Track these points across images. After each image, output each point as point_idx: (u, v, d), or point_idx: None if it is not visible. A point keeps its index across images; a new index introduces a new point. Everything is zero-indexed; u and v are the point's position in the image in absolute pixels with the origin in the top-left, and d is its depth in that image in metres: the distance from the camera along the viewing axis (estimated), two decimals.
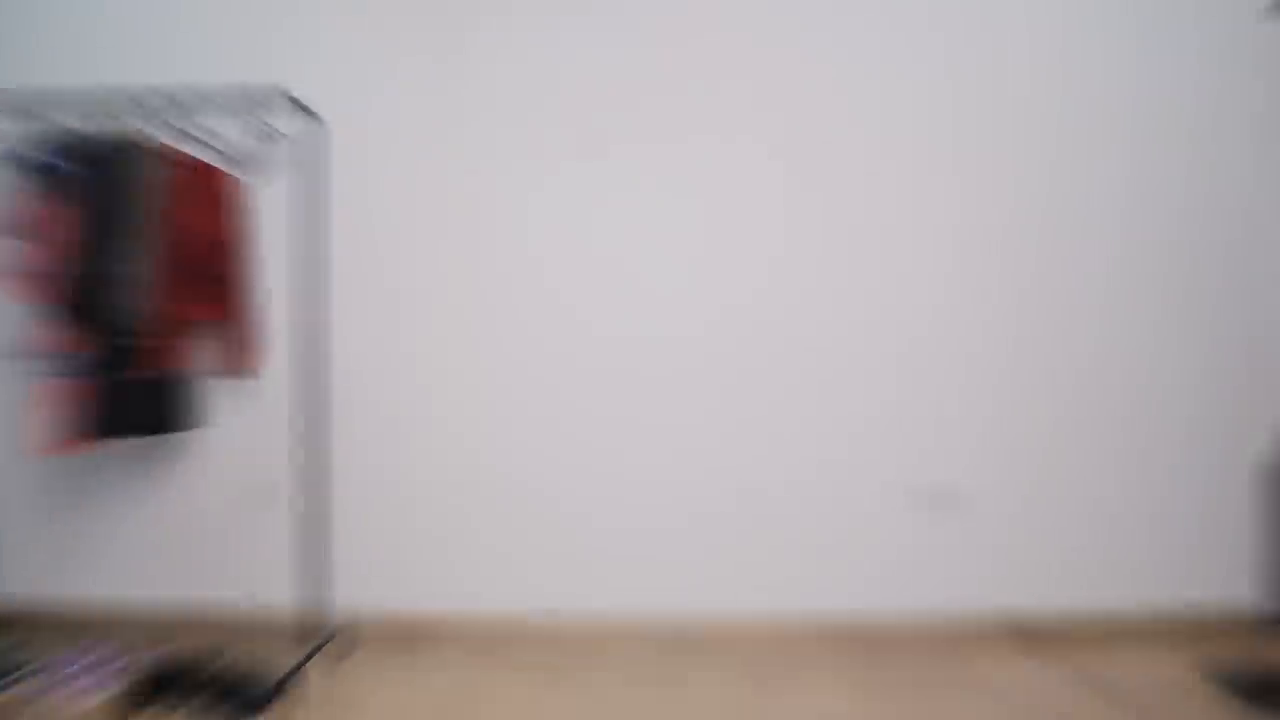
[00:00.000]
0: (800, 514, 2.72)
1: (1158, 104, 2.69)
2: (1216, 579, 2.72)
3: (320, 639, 2.44)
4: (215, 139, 2.44)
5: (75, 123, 2.35)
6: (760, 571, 2.66)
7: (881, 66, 2.69)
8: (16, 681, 2.29)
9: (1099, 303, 2.71)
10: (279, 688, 2.20)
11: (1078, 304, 2.70)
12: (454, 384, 2.74)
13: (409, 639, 2.70)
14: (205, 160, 2.40)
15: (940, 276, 2.71)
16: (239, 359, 2.47)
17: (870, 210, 2.70)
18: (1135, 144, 2.69)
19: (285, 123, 2.48)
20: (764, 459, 2.70)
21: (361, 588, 2.72)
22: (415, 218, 2.73)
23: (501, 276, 2.73)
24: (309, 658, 2.36)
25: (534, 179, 2.70)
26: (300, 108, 2.39)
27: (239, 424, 2.73)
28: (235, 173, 2.47)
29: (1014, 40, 2.68)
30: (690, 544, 2.67)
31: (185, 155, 2.32)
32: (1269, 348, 2.72)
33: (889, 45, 2.69)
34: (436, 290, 2.74)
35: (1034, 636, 2.67)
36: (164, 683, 2.28)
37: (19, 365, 2.48)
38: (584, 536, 2.71)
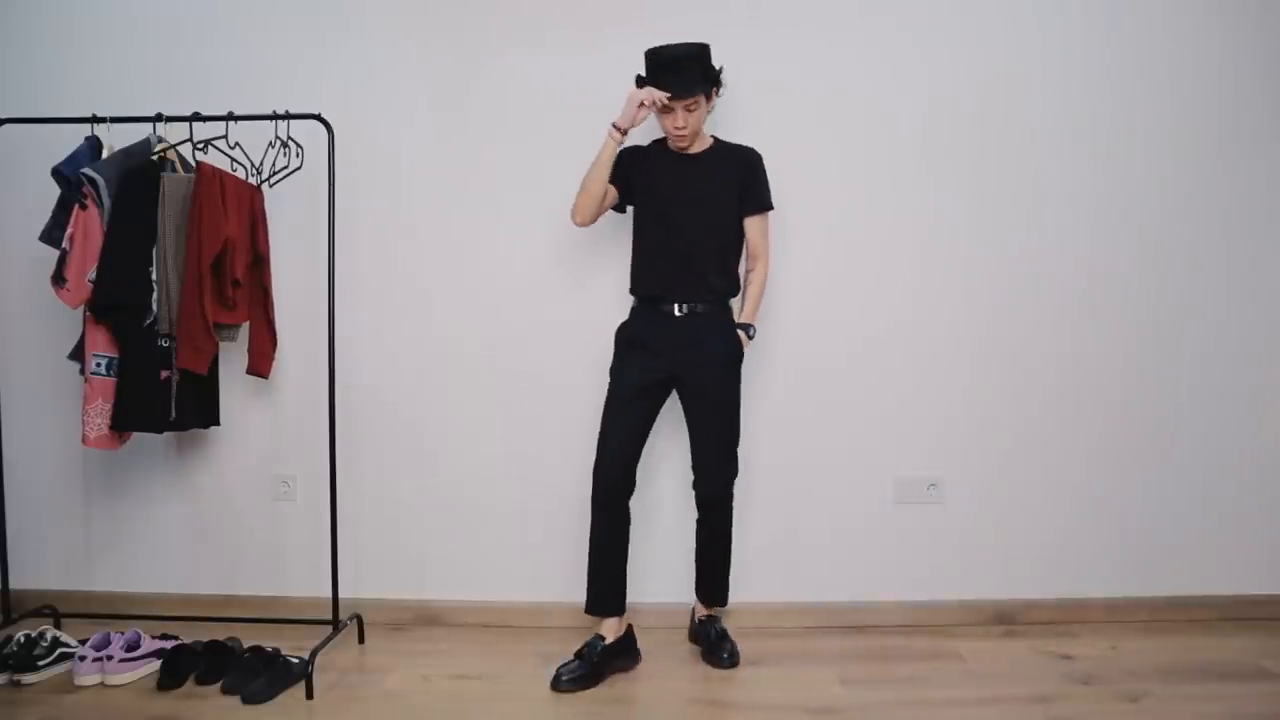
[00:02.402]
0: (789, 509, 2.82)
1: (1134, 110, 2.78)
2: (1195, 569, 2.82)
3: (341, 623, 2.53)
4: (239, 152, 2.54)
5: (112, 140, 2.47)
6: (748, 567, 2.74)
7: (859, 74, 2.79)
8: (51, 664, 2.38)
9: (1074, 299, 2.80)
10: (307, 665, 2.29)
11: (1053, 300, 2.81)
12: (465, 385, 2.84)
13: (422, 624, 2.81)
14: (228, 172, 2.51)
15: (923, 273, 2.81)
16: (259, 359, 2.58)
17: (842, 210, 2.79)
18: (1111, 146, 2.78)
19: (304, 136, 2.57)
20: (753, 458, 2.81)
21: (378, 577, 2.83)
22: (431, 221, 2.83)
23: (517, 277, 2.82)
24: (330, 639, 2.45)
25: (542, 186, 2.77)
26: (322, 122, 2.49)
27: (259, 421, 2.85)
28: (255, 182, 2.57)
29: (994, 45, 2.78)
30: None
31: (211, 167, 2.43)
32: (1245, 345, 2.82)
33: (867, 55, 2.79)
34: (450, 290, 2.83)
35: (1015, 621, 2.78)
36: (195, 663, 2.37)
37: (64, 364, 2.59)
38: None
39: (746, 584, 2.69)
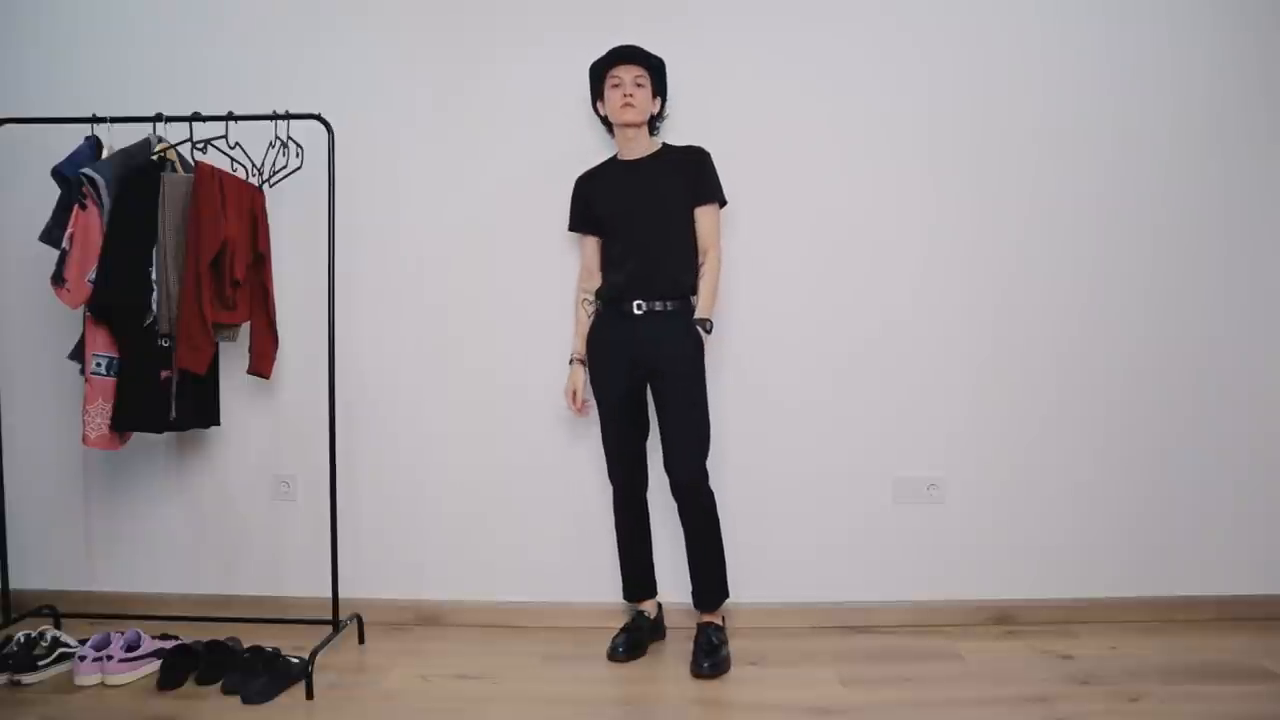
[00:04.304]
0: (788, 509, 2.82)
1: (1137, 106, 2.78)
2: (1195, 569, 2.82)
3: (341, 622, 2.53)
4: (239, 152, 2.55)
5: (112, 140, 2.46)
6: (750, 567, 2.75)
7: (860, 74, 2.79)
8: (51, 664, 2.38)
9: (1075, 300, 2.80)
10: (307, 665, 2.29)
11: (1053, 300, 2.80)
12: (465, 385, 2.84)
13: (422, 624, 2.81)
14: (228, 172, 2.51)
15: (923, 273, 2.81)
16: (260, 359, 2.58)
17: (844, 209, 2.79)
18: (1111, 146, 2.78)
19: (304, 136, 2.58)
20: (751, 458, 2.81)
21: (378, 577, 2.83)
22: (431, 222, 2.83)
23: (517, 277, 2.82)
24: (330, 639, 2.45)
25: (542, 188, 2.77)
26: (322, 123, 2.48)
27: (259, 421, 2.85)
28: (256, 182, 2.57)
29: (995, 45, 2.78)
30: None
31: (210, 167, 2.43)
32: (1245, 346, 2.81)
33: (867, 55, 2.79)
34: (450, 290, 2.83)
35: (1015, 622, 2.77)
36: (195, 663, 2.37)
37: (64, 364, 2.59)
38: (592, 533, 2.81)
39: (746, 584, 2.69)
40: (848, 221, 2.79)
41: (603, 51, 2.54)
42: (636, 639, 2.58)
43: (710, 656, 2.44)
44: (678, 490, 2.51)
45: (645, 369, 2.50)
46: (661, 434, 2.54)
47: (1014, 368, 2.80)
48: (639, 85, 2.49)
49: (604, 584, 2.78)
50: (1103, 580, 2.81)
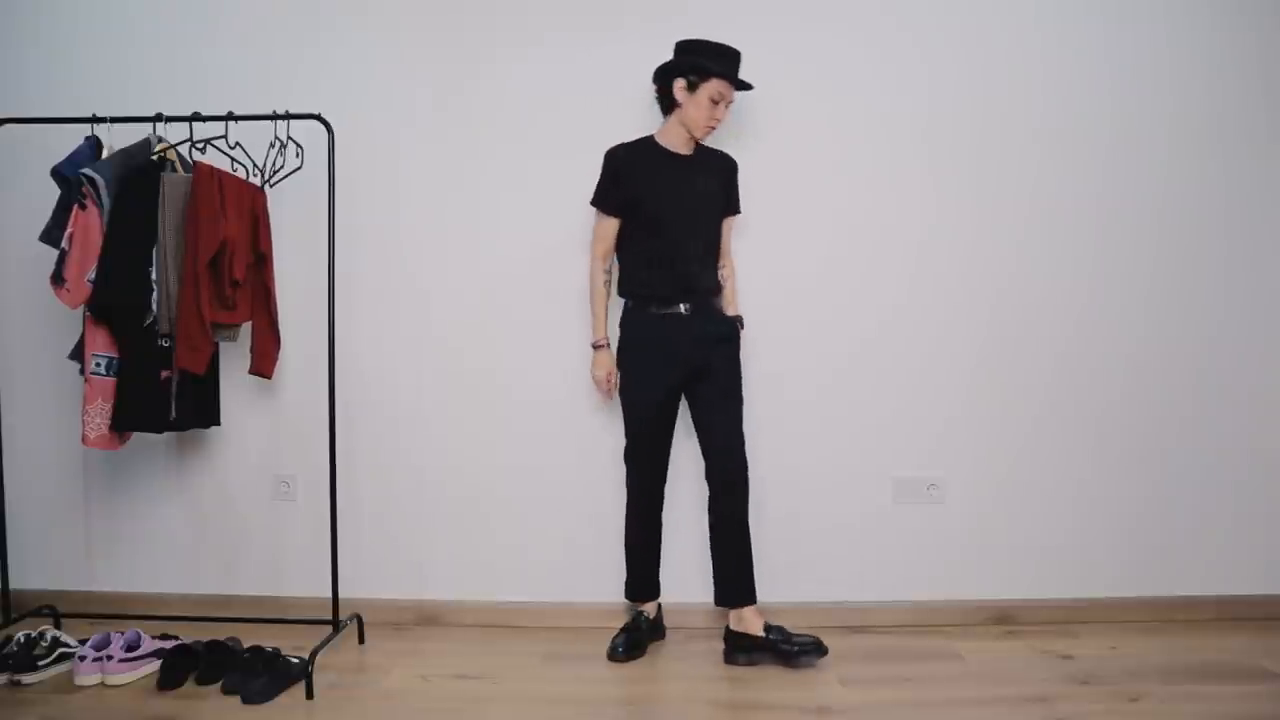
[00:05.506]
0: (788, 509, 2.82)
1: (1136, 106, 2.78)
2: (1195, 569, 2.82)
3: (341, 622, 2.53)
4: (239, 151, 2.55)
5: (112, 140, 2.46)
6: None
7: (859, 74, 2.79)
8: (51, 664, 2.38)
9: (1074, 299, 2.80)
10: (307, 665, 2.29)
11: (1053, 300, 2.80)
12: (465, 385, 2.84)
13: (422, 624, 2.81)
14: (228, 172, 2.51)
15: (922, 272, 2.81)
16: (262, 359, 2.58)
17: (843, 209, 2.79)
18: (1111, 146, 2.78)
19: (304, 136, 2.58)
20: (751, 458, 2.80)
21: (378, 577, 2.83)
22: (431, 222, 2.83)
23: (517, 277, 2.82)
24: (330, 639, 2.45)
25: (542, 188, 2.78)
26: (322, 123, 2.48)
27: (259, 421, 2.85)
28: (257, 182, 2.57)
29: (993, 44, 2.78)
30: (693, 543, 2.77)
31: (209, 167, 2.43)
32: (1245, 346, 2.82)
33: (867, 55, 2.79)
34: (450, 290, 2.83)
35: (1015, 622, 2.77)
36: (195, 663, 2.37)
37: (64, 364, 2.59)
38: (593, 533, 2.81)
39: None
40: (847, 221, 2.79)
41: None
42: (636, 639, 2.58)
43: (802, 644, 2.45)
44: (730, 484, 2.49)
45: (693, 367, 2.50)
46: (711, 430, 2.51)
47: (1013, 368, 2.80)
48: (727, 109, 2.50)
49: (604, 584, 2.77)
50: (1103, 580, 2.82)
